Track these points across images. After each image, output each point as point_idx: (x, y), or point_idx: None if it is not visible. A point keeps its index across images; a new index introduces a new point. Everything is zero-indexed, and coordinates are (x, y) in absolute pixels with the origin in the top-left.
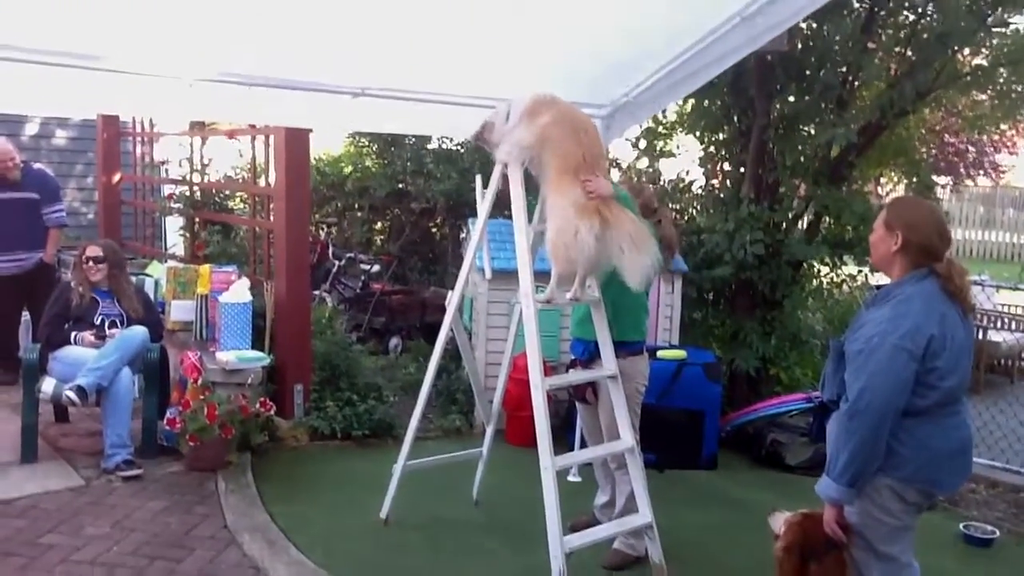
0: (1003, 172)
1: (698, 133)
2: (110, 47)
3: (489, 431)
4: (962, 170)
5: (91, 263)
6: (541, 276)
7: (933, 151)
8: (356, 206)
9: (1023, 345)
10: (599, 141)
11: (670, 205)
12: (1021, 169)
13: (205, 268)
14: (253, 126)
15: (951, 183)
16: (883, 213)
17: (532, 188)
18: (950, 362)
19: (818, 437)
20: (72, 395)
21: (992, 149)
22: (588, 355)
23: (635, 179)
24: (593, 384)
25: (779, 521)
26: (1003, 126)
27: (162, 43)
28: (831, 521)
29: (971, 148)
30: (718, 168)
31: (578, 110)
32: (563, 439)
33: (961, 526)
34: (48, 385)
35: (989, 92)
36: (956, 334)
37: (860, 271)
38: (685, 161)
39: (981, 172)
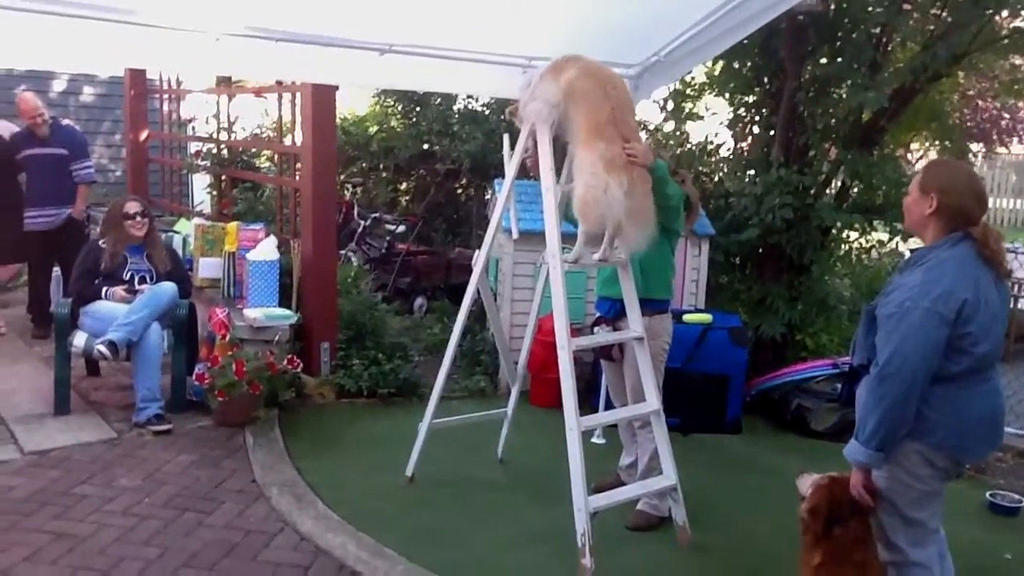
0: None
1: (727, 95)
2: (139, 0)
3: (514, 392)
4: (995, 137)
5: (137, 218)
6: (567, 238)
7: (966, 117)
8: (381, 166)
9: None
10: (628, 95)
11: (698, 168)
12: None
13: (232, 226)
14: (279, 83)
15: (983, 150)
16: (918, 176)
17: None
18: (983, 328)
19: (847, 402)
20: (103, 349)
21: None
22: (615, 313)
23: (653, 144)
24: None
25: (806, 483)
26: None
27: None
28: (858, 485)
29: (1005, 115)
30: (747, 131)
31: (604, 66)
32: (587, 401)
33: (988, 495)
34: (79, 339)
35: None
36: (990, 299)
37: (891, 238)
38: (712, 124)
39: (1015, 139)
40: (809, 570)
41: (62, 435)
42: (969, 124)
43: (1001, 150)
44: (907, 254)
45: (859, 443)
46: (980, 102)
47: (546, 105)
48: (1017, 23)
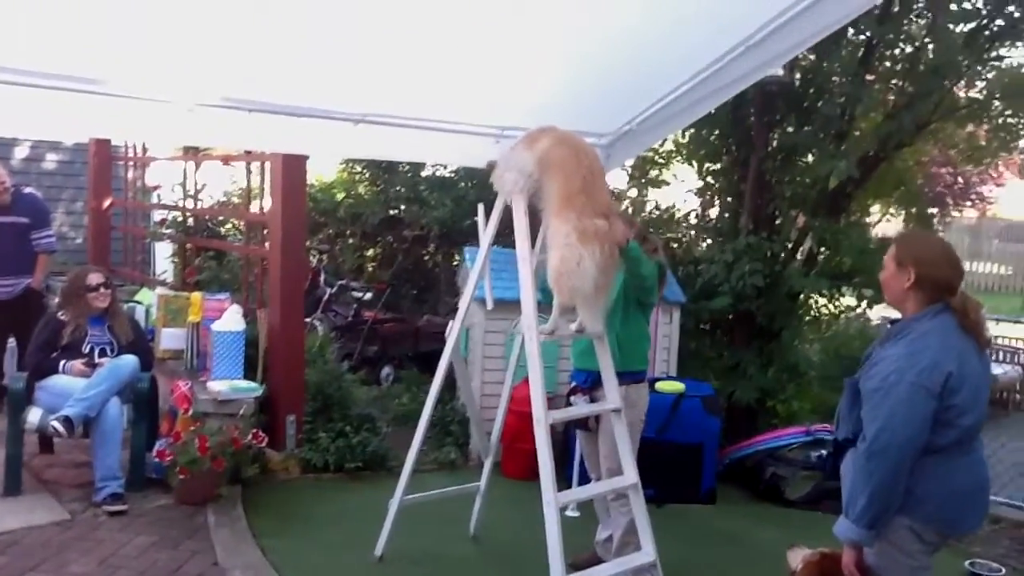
0: (990, 203)
1: (695, 162)
2: (109, 71)
3: (487, 464)
4: (949, 201)
5: (101, 289)
6: (540, 307)
7: (922, 183)
8: (348, 233)
9: (1019, 377)
10: (600, 165)
11: (667, 235)
12: (1006, 200)
13: (196, 296)
14: (249, 152)
15: (938, 214)
16: (892, 250)
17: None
18: (968, 399)
19: (831, 476)
20: (59, 426)
21: (979, 180)
22: (591, 383)
23: (626, 210)
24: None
25: (797, 557)
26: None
27: (162, 67)
28: (850, 564)
29: (959, 179)
30: (715, 198)
31: (577, 135)
32: (560, 473)
33: (967, 563)
34: (34, 415)
35: (985, 126)
36: (973, 370)
37: (859, 303)
38: (678, 190)
39: (968, 203)
40: None
41: (11, 517)
42: (926, 190)
43: (955, 214)
44: (875, 320)
45: (850, 521)
46: (934, 168)
47: (521, 175)
48: (974, 93)
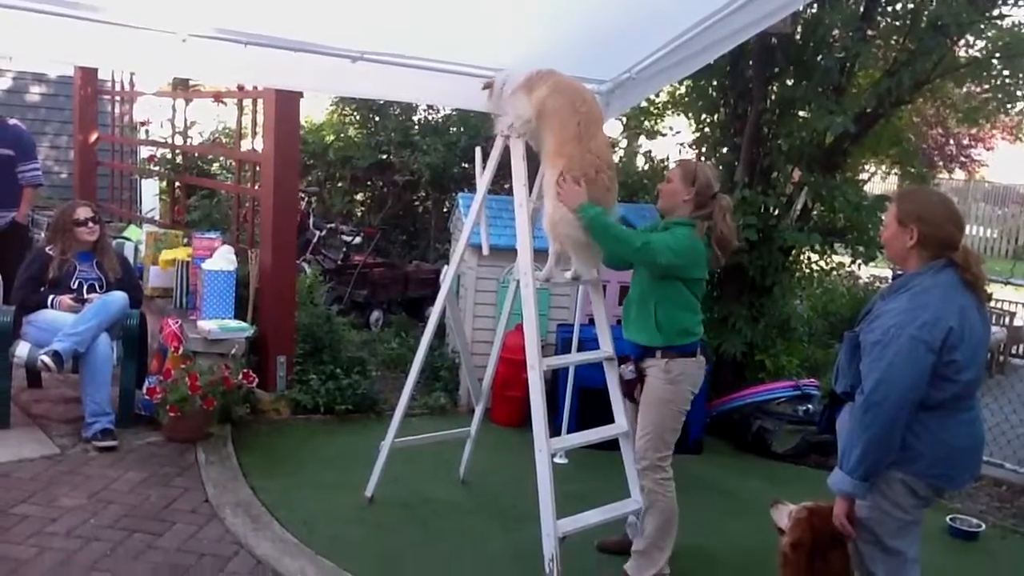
0: (979, 167)
1: (691, 115)
2: None
3: (478, 410)
4: (939, 162)
5: (89, 224)
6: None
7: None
8: (337, 176)
9: (1005, 339)
10: (598, 110)
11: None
12: (994, 164)
13: (178, 239)
14: (241, 88)
15: (927, 174)
16: (893, 208)
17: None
18: (968, 355)
19: (825, 430)
20: (48, 360)
21: (970, 143)
22: (638, 355)
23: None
24: (642, 381)
25: (783, 514)
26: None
27: None
28: (842, 515)
29: (950, 141)
30: (711, 151)
31: (577, 81)
32: (550, 421)
33: (947, 519)
34: (22, 349)
35: (984, 86)
36: (974, 326)
37: (853, 260)
38: (671, 143)
39: (957, 166)
40: None
41: (1, 450)
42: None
43: (943, 175)
44: (864, 278)
45: (844, 472)
46: (925, 128)
47: (519, 120)
48: (975, 52)
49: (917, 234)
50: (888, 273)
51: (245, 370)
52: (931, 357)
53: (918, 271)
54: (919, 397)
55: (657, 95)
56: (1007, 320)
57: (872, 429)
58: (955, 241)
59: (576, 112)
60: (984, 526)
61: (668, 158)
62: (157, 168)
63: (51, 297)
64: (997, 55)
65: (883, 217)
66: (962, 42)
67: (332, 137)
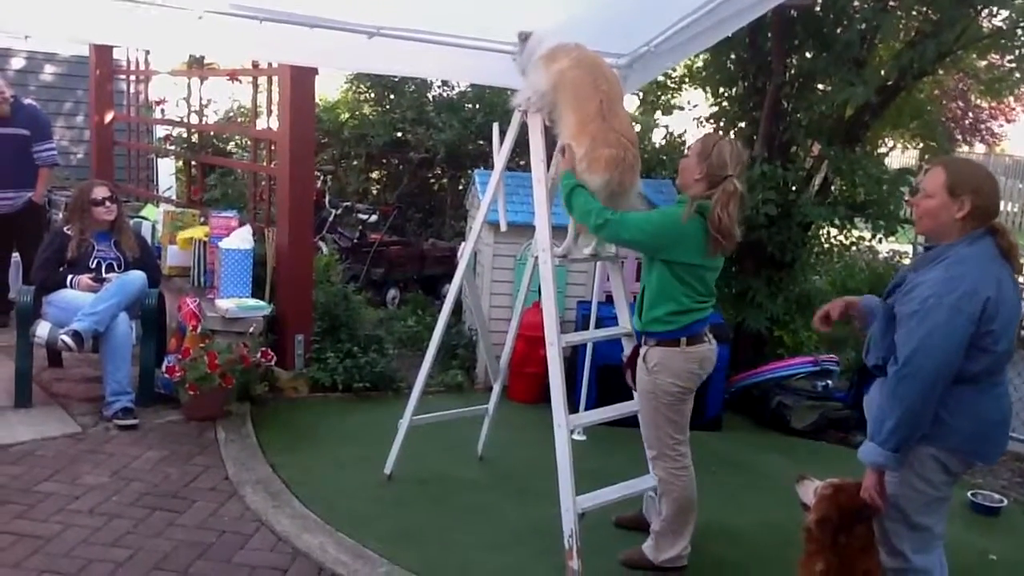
0: (999, 140)
1: (710, 89)
2: None
3: (496, 387)
4: (958, 136)
5: (106, 203)
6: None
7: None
8: (353, 154)
9: None
10: (619, 88)
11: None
12: (1015, 137)
13: (194, 219)
14: (255, 66)
15: (949, 148)
16: (941, 178)
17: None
18: (1004, 325)
19: (854, 404)
20: (68, 340)
21: (990, 116)
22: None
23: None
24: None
25: (808, 490)
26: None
27: None
28: (872, 488)
29: (969, 114)
30: (731, 125)
31: (599, 57)
32: (569, 398)
33: (968, 494)
34: (43, 329)
35: (1008, 57)
36: (1009, 296)
37: (874, 235)
38: (688, 117)
39: (977, 139)
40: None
41: (24, 429)
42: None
43: (963, 148)
44: (883, 253)
45: (875, 444)
46: (944, 101)
47: (535, 94)
48: (997, 22)
49: (970, 205)
50: (908, 248)
51: (263, 348)
52: (970, 328)
53: (953, 242)
54: (955, 368)
55: (674, 69)
56: None
57: (907, 400)
58: (997, 213)
59: (598, 90)
60: (1006, 501)
61: (685, 132)
62: (173, 147)
63: (70, 277)
64: (1022, 25)
65: (908, 188)
66: (985, 12)
67: (347, 115)
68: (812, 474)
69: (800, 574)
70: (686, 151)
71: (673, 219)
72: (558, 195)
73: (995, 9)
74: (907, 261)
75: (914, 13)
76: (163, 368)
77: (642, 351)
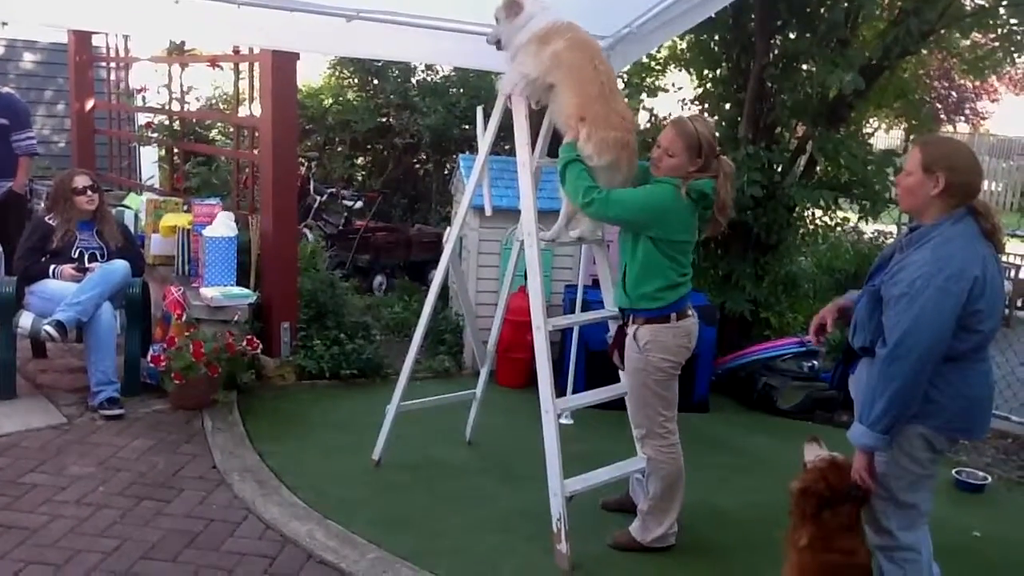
0: (983, 119)
1: (694, 70)
2: None
3: (483, 373)
4: (942, 115)
5: (88, 192)
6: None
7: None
8: (337, 140)
9: (1012, 291)
10: (614, 72)
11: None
12: (999, 117)
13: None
14: (237, 51)
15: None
16: (917, 155)
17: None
18: (990, 304)
19: (839, 386)
20: (51, 330)
21: (974, 95)
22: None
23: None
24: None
25: (812, 453)
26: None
27: None
28: (862, 469)
29: (953, 93)
30: (715, 107)
31: (593, 39)
32: (556, 382)
33: (953, 472)
34: (26, 320)
35: (991, 35)
36: (994, 275)
37: (861, 216)
38: (673, 99)
39: (961, 118)
40: (795, 549)
41: (8, 420)
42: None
43: (947, 128)
44: (868, 234)
45: (864, 426)
46: (928, 80)
47: (524, 79)
48: (980, 1)
49: (944, 182)
50: (892, 228)
51: (249, 336)
52: (958, 308)
53: (937, 221)
54: (944, 348)
55: (658, 50)
56: (1013, 273)
57: (897, 381)
58: (977, 191)
59: (597, 71)
60: (990, 479)
61: (670, 115)
62: (155, 135)
63: (53, 267)
64: (1004, 3)
65: (893, 169)
66: None
67: (330, 101)
68: (799, 455)
69: (786, 548)
70: (662, 142)
71: (660, 196)
72: (543, 179)
73: None
74: (891, 241)
75: None
76: (148, 357)
77: (630, 330)
